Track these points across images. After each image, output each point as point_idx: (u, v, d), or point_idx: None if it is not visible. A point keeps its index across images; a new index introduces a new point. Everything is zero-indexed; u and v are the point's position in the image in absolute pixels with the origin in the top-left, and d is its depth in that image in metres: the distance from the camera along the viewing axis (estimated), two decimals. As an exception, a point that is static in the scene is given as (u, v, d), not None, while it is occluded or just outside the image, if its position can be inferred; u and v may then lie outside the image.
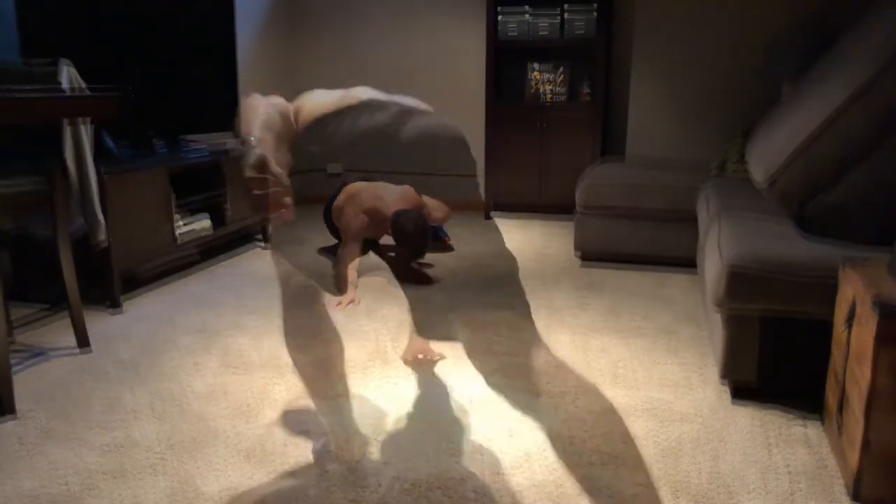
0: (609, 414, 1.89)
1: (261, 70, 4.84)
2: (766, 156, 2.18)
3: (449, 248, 1.30)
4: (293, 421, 1.84)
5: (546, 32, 4.49)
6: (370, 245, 1.56)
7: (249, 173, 1.21)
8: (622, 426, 1.82)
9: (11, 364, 2.05)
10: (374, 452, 1.67)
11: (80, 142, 2.42)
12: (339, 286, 1.29)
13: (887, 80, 1.89)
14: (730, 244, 1.96)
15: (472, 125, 5.05)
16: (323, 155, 1.29)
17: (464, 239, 3.91)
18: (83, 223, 2.52)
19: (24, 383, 2.07)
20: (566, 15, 4.44)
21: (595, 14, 4.38)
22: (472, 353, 2.20)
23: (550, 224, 4.46)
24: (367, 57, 5.16)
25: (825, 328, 1.80)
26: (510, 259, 3.55)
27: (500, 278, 3.04)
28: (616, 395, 2.00)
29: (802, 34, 3.62)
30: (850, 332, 1.58)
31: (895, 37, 1.93)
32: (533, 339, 2.38)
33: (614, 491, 1.52)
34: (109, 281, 2.72)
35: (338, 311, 2.58)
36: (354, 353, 2.30)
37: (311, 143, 1.29)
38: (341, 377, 1.51)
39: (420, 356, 2.19)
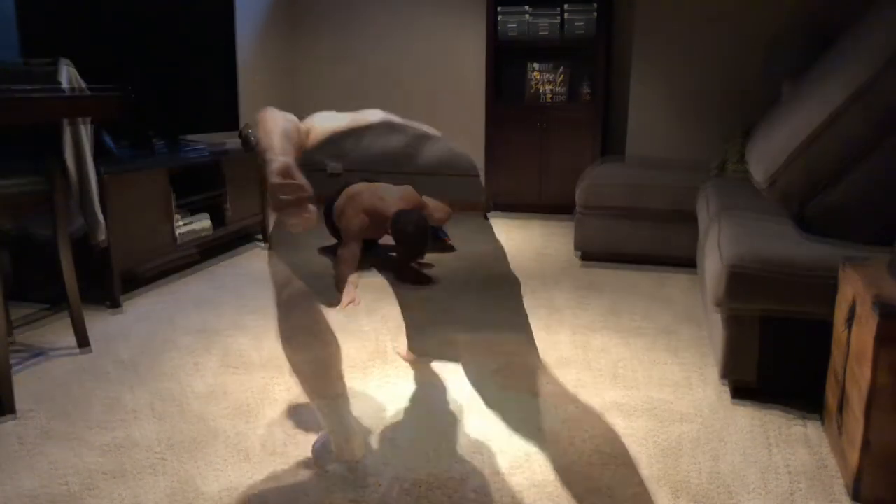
0: (609, 414, 1.89)
1: (261, 70, 4.84)
2: (767, 156, 2.18)
3: (450, 249, 1.31)
4: (293, 421, 1.84)
5: (546, 32, 4.49)
6: (370, 245, 1.55)
7: (276, 179, 1.20)
8: (622, 426, 1.82)
9: (11, 364, 2.05)
10: (374, 452, 1.67)
11: (80, 142, 2.42)
12: (339, 286, 1.29)
13: (887, 80, 1.89)
14: (730, 244, 1.96)
15: (472, 125, 5.05)
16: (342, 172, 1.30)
17: (464, 239, 3.91)
18: (83, 223, 2.52)
19: (24, 383, 2.07)
20: (566, 15, 4.44)
21: (595, 14, 4.38)
22: (472, 353, 2.20)
23: (550, 224, 4.46)
24: (367, 57, 5.16)
25: (825, 328, 1.80)
26: (510, 259, 3.55)
27: (500, 278, 3.04)
28: (616, 395, 2.00)
29: (802, 34, 3.62)
30: (850, 332, 1.58)
31: (895, 37, 1.93)
32: (533, 338, 2.38)
33: (614, 491, 1.52)
34: (109, 281, 2.72)
35: (338, 311, 2.58)
36: (354, 352, 2.30)
37: (329, 160, 1.30)
38: (341, 377, 1.50)
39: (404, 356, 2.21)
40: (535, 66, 4.65)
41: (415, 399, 1.98)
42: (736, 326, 1.92)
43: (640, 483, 1.56)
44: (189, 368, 2.18)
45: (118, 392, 2.02)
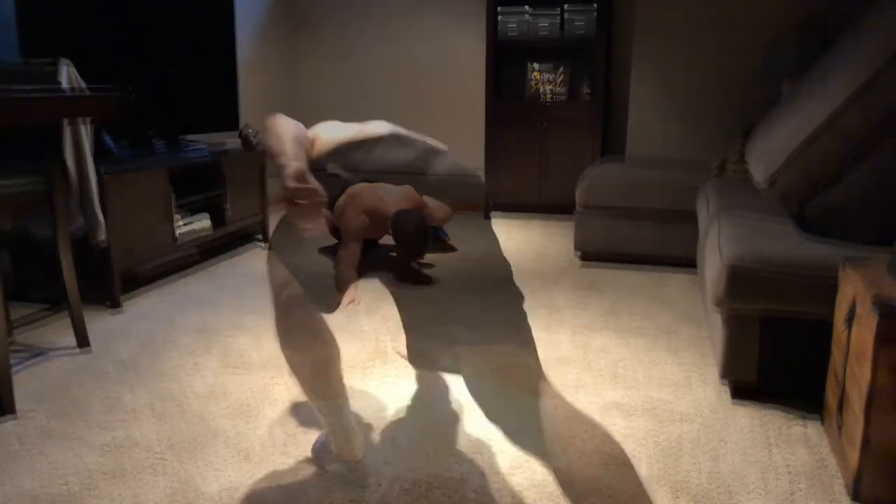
0: (609, 414, 1.89)
1: (261, 70, 4.84)
2: (767, 155, 2.18)
3: (451, 249, 1.30)
4: (293, 421, 1.84)
5: (546, 32, 4.49)
6: (370, 245, 1.55)
7: (291, 184, 1.20)
8: (622, 426, 1.82)
9: (11, 364, 2.05)
10: (374, 452, 1.67)
11: (80, 142, 2.42)
12: (340, 286, 1.29)
13: (887, 80, 1.89)
14: (730, 244, 1.96)
15: (472, 125, 5.05)
16: (351, 182, 1.29)
17: (464, 239, 3.91)
18: (83, 223, 2.52)
19: (24, 383, 2.07)
20: (566, 15, 4.44)
21: (595, 14, 4.38)
22: (472, 353, 2.20)
23: (550, 224, 4.46)
24: (367, 57, 5.16)
25: (825, 328, 1.80)
26: (510, 259, 3.55)
27: (500, 278, 3.04)
28: (616, 395, 2.00)
29: (802, 34, 3.62)
30: (850, 332, 1.58)
31: (895, 37, 1.93)
32: (533, 338, 2.38)
33: (614, 491, 1.52)
34: (109, 281, 2.72)
35: (338, 311, 2.58)
36: (354, 352, 2.30)
37: (339, 171, 1.30)
38: (340, 377, 1.50)
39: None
40: (535, 66, 4.64)
41: (415, 399, 1.98)
42: (736, 326, 1.92)
43: (640, 483, 1.56)
44: (189, 368, 2.18)
45: (118, 392, 2.02)
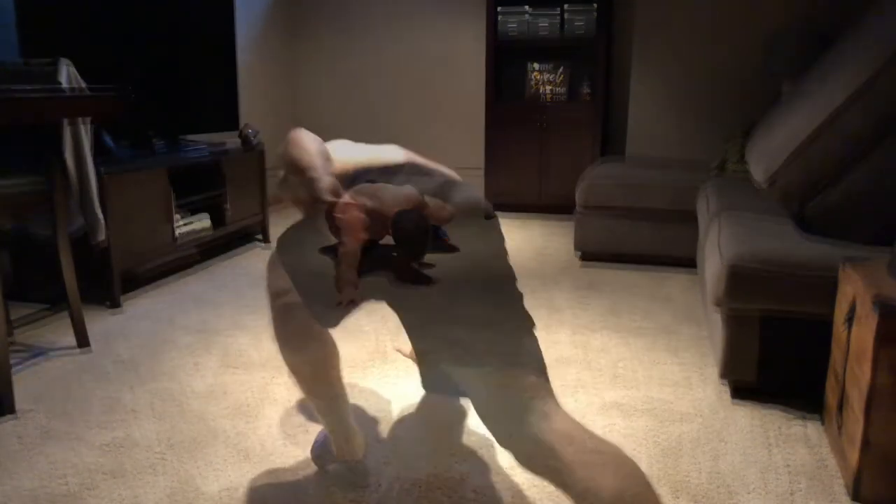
0: (609, 413, 1.89)
1: (261, 70, 4.84)
2: (766, 155, 2.18)
3: (452, 249, 1.30)
4: (293, 421, 1.84)
5: (546, 32, 4.50)
6: (371, 245, 1.55)
7: (328, 198, 1.20)
8: (622, 426, 1.82)
9: (11, 363, 2.05)
10: (374, 452, 1.68)
11: (79, 141, 2.42)
12: (340, 286, 1.29)
13: (887, 80, 1.89)
14: (730, 243, 1.96)
15: (472, 125, 5.05)
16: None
17: (464, 239, 3.91)
18: (83, 223, 2.52)
19: (24, 383, 2.07)
20: (566, 14, 4.44)
21: (595, 14, 4.38)
22: (472, 353, 2.20)
23: (550, 223, 4.46)
24: (367, 56, 5.16)
25: (825, 328, 1.80)
26: (511, 259, 3.54)
27: (500, 278, 3.04)
28: (616, 395, 2.00)
29: (802, 34, 3.62)
30: (850, 332, 1.58)
31: (895, 37, 1.93)
32: (537, 342, 2.37)
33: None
34: (109, 280, 2.72)
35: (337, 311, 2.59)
36: (354, 352, 2.30)
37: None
38: (340, 377, 1.50)
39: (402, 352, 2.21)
40: (535, 65, 4.65)
41: (415, 398, 1.98)
42: (736, 326, 1.92)
43: (640, 482, 1.56)
44: (189, 368, 2.18)
45: (118, 391, 2.02)
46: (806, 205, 2.03)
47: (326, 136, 5.22)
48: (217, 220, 3.44)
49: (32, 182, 2.15)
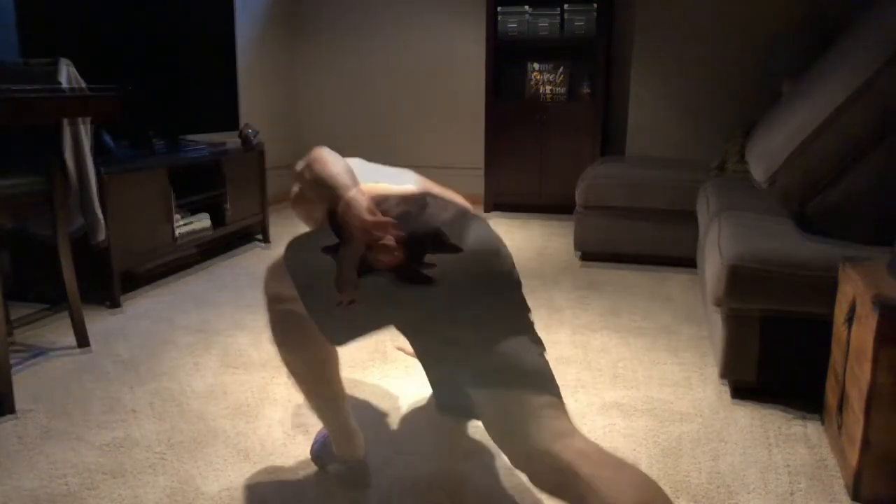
0: (609, 413, 1.89)
1: (261, 70, 4.84)
2: (766, 155, 2.18)
3: (456, 249, 1.30)
4: (293, 421, 1.84)
5: (546, 32, 4.50)
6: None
7: (368, 217, 1.20)
8: (622, 425, 1.82)
9: (11, 363, 2.05)
10: (374, 452, 1.68)
11: (79, 141, 2.42)
12: (340, 286, 1.28)
13: (887, 80, 1.89)
14: (730, 243, 1.96)
15: (472, 124, 5.05)
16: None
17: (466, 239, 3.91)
18: (83, 223, 2.52)
19: (24, 382, 2.07)
20: (566, 14, 4.44)
21: (595, 13, 4.38)
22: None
23: (550, 223, 4.46)
24: (367, 56, 5.16)
25: (825, 327, 1.80)
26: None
27: (501, 277, 3.04)
28: (616, 395, 2.00)
29: (802, 34, 3.62)
30: (849, 332, 1.58)
31: (895, 37, 1.93)
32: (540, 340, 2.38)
33: (614, 490, 1.52)
34: (109, 280, 2.72)
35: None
36: (354, 352, 2.30)
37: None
38: (339, 377, 1.50)
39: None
40: (535, 65, 4.65)
41: (415, 398, 1.98)
42: (736, 325, 1.93)
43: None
44: (189, 368, 2.18)
45: (118, 391, 2.02)
46: (806, 205, 2.03)
47: (327, 136, 5.21)
48: (217, 220, 3.44)
49: (32, 182, 2.15)
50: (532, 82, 4.67)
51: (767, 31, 3.87)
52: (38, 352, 2.31)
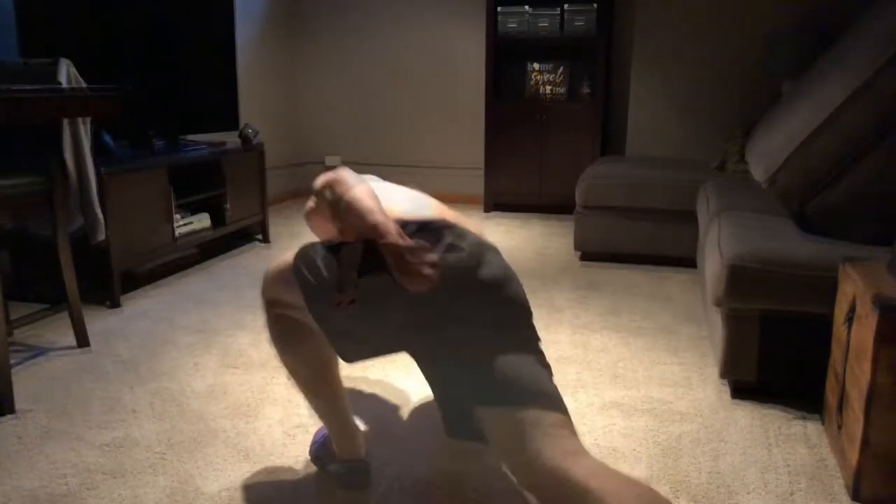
0: (609, 413, 1.89)
1: (261, 70, 4.84)
2: (766, 154, 2.18)
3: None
4: (293, 420, 1.84)
5: (546, 31, 4.50)
6: (371, 245, 1.56)
7: (402, 242, 1.20)
8: (622, 425, 1.82)
9: (11, 363, 2.05)
10: (374, 452, 1.67)
11: (79, 141, 2.42)
12: (340, 287, 1.28)
13: (887, 80, 1.89)
14: (730, 243, 1.96)
15: (471, 124, 5.05)
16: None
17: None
18: (83, 223, 2.52)
19: (24, 382, 2.07)
20: (566, 14, 4.44)
21: (595, 13, 4.38)
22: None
23: (550, 223, 4.46)
24: (367, 56, 5.16)
25: (825, 327, 1.80)
26: (510, 258, 3.55)
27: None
28: (616, 395, 2.00)
29: (802, 34, 3.62)
30: (849, 331, 1.58)
31: (895, 37, 1.93)
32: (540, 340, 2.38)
33: (614, 490, 1.52)
34: (109, 280, 2.72)
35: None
36: (354, 352, 2.30)
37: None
38: (339, 377, 1.50)
39: None
40: (535, 64, 4.65)
41: (415, 398, 1.98)
42: (736, 325, 1.93)
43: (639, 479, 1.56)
44: (189, 368, 2.18)
45: (118, 391, 2.02)
46: (806, 205, 2.03)
47: (327, 136, 5.20)
48: (217, 220, 3.44)
49: (32, 182, 2.15)
50: (532, 82, 4.67)
51: (767, 30, 3.87)
52: (38, 352, 2.31)
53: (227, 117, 3.80)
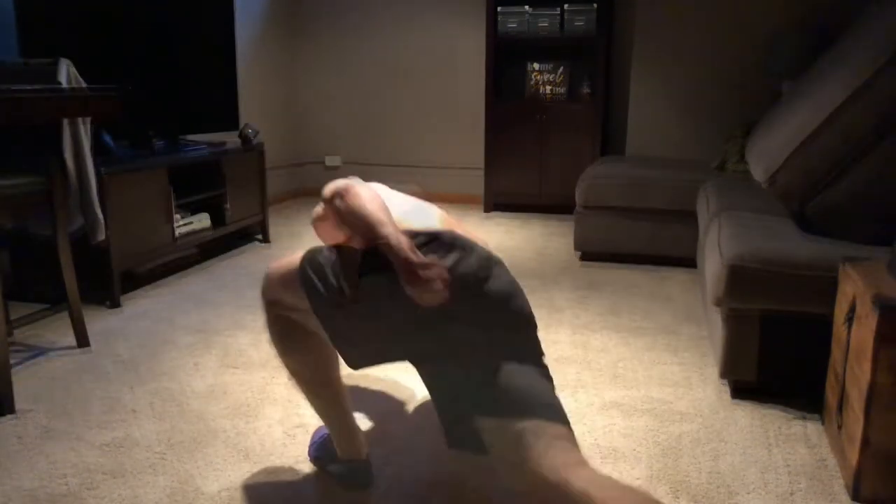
0: (609, 413, 1.89)
1: (261, 70, 4.84)
2: (766, 155, 2.18)
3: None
4: (293, 420, 1.84)
5: (546, 31, 4.50)
6: (373, 248, 1.56)
7: (414, 258, 1.21)
8: (622, 425, 1.82)
9: (11, 363, 2.05)
10: (374, 452, 1.67)
11: (79, 141, 2.42)
12: (341, 285, 1.29)
13: (887, 79, 1.89)
14: (730, 242, 1.96)
15: (471, 124, 5.05)
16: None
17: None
18: (83, 223, 2.52)
19: (24, 382, 2.07)
20: (566, 14, 4.44)
21: (595, 13, 4.38)
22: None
23: (550, 223, 4.46)
24: (367, 56, 5.16)
25: (825, 327, 1.80)
26: (510, 258, 3.55)
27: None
28: (616, 395, 2.00)
29: (802, 34, 3.62)
30: (849, 331, 1.58)
31: (895, 37, 1.93)
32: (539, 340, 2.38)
33: (614, 490, 1.52)
34: (109, 280, 2.72)
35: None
36: (354, 352, 2.30)
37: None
38: (339, 377, 1.51)
39: None
40: (535, 64, 4.65)
41: (415, 398, 1.98)
42: (736, 325, 1.93)
43: (640, 479, 1.56)
44: (189, 368, 2.18)
45: (118, 391, 2.02)
46: (806, 204, 2.03)
47: (327, 136, 5.20)
48: (217, 220, 3.44)
49: (32, 182, 2.15)
50: (532, 82, 4.67)
51: (767, 30, 3.87)
52: (38, 352, 2.31)
53: (227, 117, 3.80)
